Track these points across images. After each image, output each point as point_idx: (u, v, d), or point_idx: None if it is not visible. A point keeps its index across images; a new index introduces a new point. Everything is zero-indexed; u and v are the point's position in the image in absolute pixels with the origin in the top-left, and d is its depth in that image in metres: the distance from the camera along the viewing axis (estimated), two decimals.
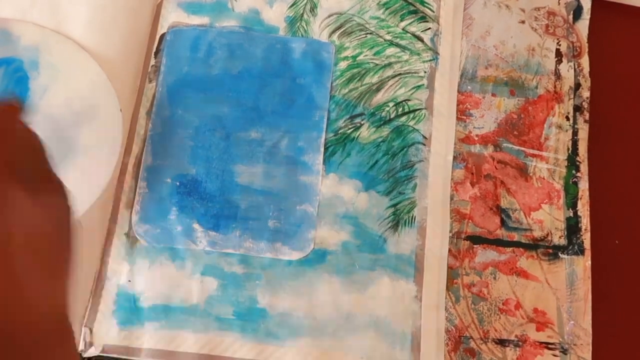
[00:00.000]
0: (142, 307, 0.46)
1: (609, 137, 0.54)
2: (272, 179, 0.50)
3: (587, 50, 0.55)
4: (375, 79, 0.53)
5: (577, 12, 0.56)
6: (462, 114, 0.53)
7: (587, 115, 0.53)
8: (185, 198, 0.49)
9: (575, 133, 0.53)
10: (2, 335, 0.26)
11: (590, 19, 0.56)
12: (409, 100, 0.53)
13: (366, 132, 0.52)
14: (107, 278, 0.47)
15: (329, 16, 0.55)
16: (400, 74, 0.53)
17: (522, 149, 0.52)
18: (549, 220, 0.51)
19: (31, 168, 0.33)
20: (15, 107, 0.36)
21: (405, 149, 0.51)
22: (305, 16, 0.55)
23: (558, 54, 0.55)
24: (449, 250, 0.49)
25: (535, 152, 0.52)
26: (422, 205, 0.50)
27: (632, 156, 0.54)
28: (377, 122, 0.52)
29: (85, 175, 0.47)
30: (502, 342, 0.48)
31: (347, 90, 0.53)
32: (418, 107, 0.53)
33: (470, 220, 0.50)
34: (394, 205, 0.50)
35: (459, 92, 0.53)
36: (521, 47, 0.55)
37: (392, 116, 0.52)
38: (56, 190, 0.34)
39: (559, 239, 0.50)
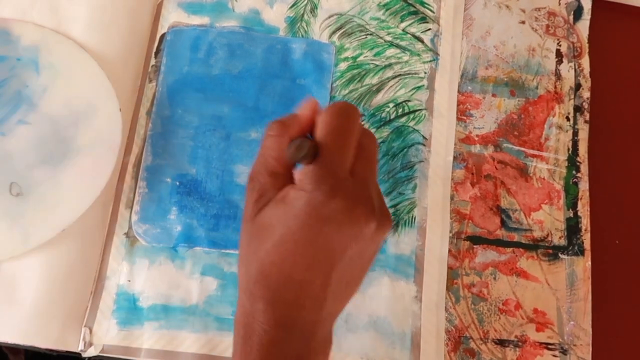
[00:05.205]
0: (141, 307, 0.46)
1: (609, 137, 0.54)
2: None
3: (587, 50, 0.55)
4: (375, 80, 0.53)
5: (578, 13, 0.56)
6: (463, 114, 0.53)
7: (587, 116, 0.53)
8: (185, 198, 0.49)
9: (575, 133, 0.53)
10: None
11: (591, 20, 0.56)
12: (409, 101, 0.53)
13: None
14: (107, 278, 0.47)
15: (329, 17, 0.55)
16: (400, 75, 0.53)
17: (522, 149, 0.52)
18: (549, 220, 0.50)
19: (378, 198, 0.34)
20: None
21: (406, 150, 0.51)
22: (305, 17, 0.55)
23: (558, 54, 0.55)
24: (449, 251, 0.49)
25: (536, 152, 0.52)
26: (422, 206, 0.50)
27: (632, 156, 0.54)
28: (377, 122, 0.52)
29: (85, 175, 0.47)
30: (502, 343, 0.47)
31: (347, 91, 0.53)
32: (418, 108, 0.53)
33: (470, 221, 0.50)
34: (394, 206, 0.50)
35: (459, 92, 0.53)
36: (521, 47, 0.55)
37: (392, 117, 0.52)
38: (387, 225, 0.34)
39: (559, 239, 0.50)
